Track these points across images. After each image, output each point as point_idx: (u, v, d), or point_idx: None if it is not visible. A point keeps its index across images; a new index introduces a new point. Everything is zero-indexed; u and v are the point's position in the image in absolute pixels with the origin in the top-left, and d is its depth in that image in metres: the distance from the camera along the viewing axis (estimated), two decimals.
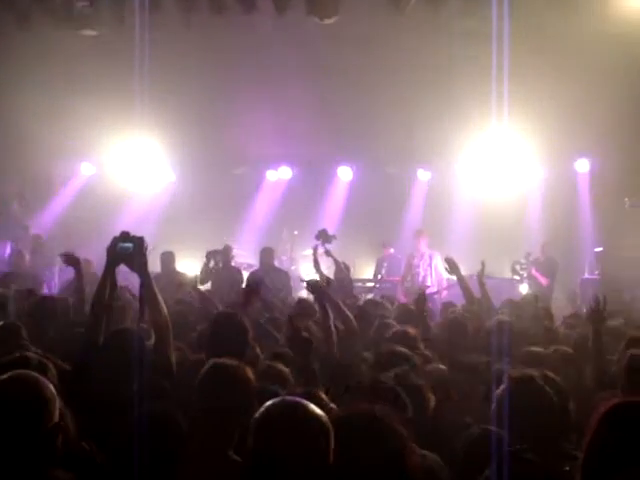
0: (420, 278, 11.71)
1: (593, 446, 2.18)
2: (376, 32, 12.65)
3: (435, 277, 11.67)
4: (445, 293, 11.50)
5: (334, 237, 10.64)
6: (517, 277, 12.24)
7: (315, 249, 10.61)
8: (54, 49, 12.96)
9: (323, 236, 10.64)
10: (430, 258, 11.76)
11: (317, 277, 9.86)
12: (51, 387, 2.60)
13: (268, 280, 9.52)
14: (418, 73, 13.04)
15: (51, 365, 3.69)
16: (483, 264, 8.01)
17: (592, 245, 13.45)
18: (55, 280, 13.08)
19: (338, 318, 5.65)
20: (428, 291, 11.18)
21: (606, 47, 11.79)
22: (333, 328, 5.33)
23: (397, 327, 5.82)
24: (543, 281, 12.31)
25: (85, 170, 15.33)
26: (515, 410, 3.22)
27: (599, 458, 2.15)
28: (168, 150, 14.64)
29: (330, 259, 10.62)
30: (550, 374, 3.78)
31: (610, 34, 11.50)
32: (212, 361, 3.42)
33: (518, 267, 12.23)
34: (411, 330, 5.56)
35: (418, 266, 11.75)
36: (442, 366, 4.87)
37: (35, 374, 2.66)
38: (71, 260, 6.18)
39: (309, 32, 12.55)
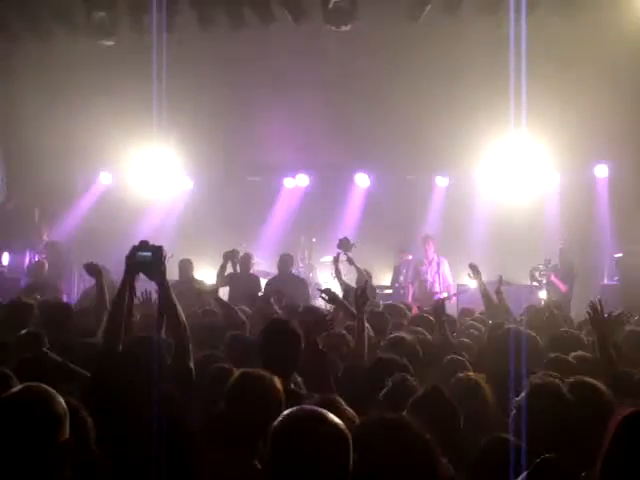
0: (428, 285, 11.69)
1: (611, 454, 2.17)
2: (392, 40, 12.70)
3: (443, 283, 11.65)
4: (454, 299, 11.49)
5: (354, 245, 10.63)
6: (536, 283, 12.16)
7: (337, 257, 10.61)
8: (72, 60, 13.10)
9: (345, 245, 10.64)
10: (438, 265, 11.74)
11: (337, 285, 9.89)
12: (62, 402, 2.56)
13: (285, 288, 9.52)
14: (435, 80, 13.07)
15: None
16: (501, 277, 7.99)
17: (611, 251, 13.34)
18: (75, 289, 13.18)
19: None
20: (437, 297, 11.22)
21: (624, 52, 11.76)
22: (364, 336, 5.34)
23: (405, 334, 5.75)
24: (562, 287, 12.24)
25: (104, 179, 15.43)
26: (533, 417, 3.20)
27: (616, 466, 2.14)
28: (185, 158, 14.72)
29: (351, 267, 10.61)
30: (580, 380, 3.73)
31: (628, 40, 11.47)
32: (241, 370, 3.44)
33: (537, 274, 12.15)
34: (407, 336, 5.50)
35: (426, 272, 11.73)
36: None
37: (47, 387, 2.60)
38: (92, 269, 6.22)
39: (325, 41, 12.61)
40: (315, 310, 7.23)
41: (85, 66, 13.28)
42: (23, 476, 2.41)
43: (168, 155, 14.56)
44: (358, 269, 10.43)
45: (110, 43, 12.72)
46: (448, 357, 5.09)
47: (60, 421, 2.50)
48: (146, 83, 12.49)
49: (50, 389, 2.61)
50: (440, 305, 6.51)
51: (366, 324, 5.68)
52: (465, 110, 12.88)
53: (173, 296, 4.06)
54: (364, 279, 10.01)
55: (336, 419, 2.48)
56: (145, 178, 14.89)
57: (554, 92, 12.39)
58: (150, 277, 4.05)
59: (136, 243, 4.05)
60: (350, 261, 10.48)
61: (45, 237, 13.73)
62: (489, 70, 12.14)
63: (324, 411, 2.50)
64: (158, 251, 3.97)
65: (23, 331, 5.21)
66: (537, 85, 11.89)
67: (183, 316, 4.11)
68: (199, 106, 13.60)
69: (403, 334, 5.67)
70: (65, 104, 13.34)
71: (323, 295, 6.75)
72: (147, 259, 3.95)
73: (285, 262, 10.99)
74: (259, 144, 14.67)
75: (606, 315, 5.01)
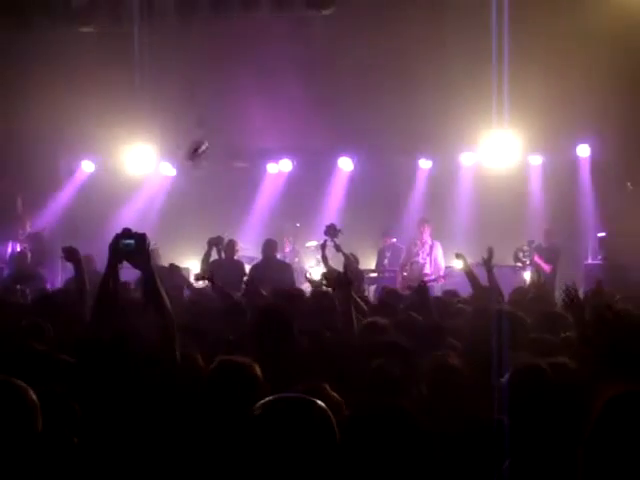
0: (419, 267, 11.73)
1: (594, 435, 2.18)
2: (374, 22, 12.63)
3: (434, 267, 11.67)
4: (442, 281, 11.54)
5: (340, 231, 10.61)
6: (520, 264, 12.23)
7: (324, 244, 10.60)
8: (52, 46, 12.96)
9: (332, 231, 10.62)
10: (431, 248, 11.76)
11: (323, 270, 9.89)
12: (32, 395, 2.62)
13: (270, 273, 9.52)
14: (417, 62, 13.02)
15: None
16: (490, 251, 7.94)
17: (595, 230, 13.42)
18: (58, 278, 13.11)
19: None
20: (426, 279, 11.25)
21: (606, 31, 11.77)
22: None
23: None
24: (546, 268, 12.31)
25: (86, 167, 15.32)
26: (517, 400, 3.21)
27: (599, 447, 2.15)
28: (168, 145, 14.65)
29: (338, 253, 10.59)
30: (562, 362, 3.74)
31: (610, 17, 11.48)
32: (219, 358, 3.43)
33: (521, 254, 12.22)
34: (380, 320, 5.50)
35: (418, 255, 11.75)
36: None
37: (18, 382, 2.67)
38: (71, 255, 6.13)
39: (306, 24, 12.54)
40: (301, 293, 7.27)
41: (66, 53, 13.13)
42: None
43: (150, 142, 14.50)
44: (345, 255, 10.42)
45: (90, 30, 12.60)
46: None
47: (31, 412, 2.56)
48: (127, 70, 12.45)
49: (18, 382, 2.64)
50: (423, 287, 6.53)
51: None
52: (448, 91, 12.87)
53: (159, 283, 4.03)
54: (352, 265, 10.04)
55: (321, 405, 2.43)
56: (128, 166, 14.83)
57: (536, 74, 12.41)
58: (134, 265, 4.03)
59: (119, 231, 4.02)
60: (337, 248, 10.46)
61: (28, 227, 13.65)
62: (473, 51, 12.12)
63: (308, 397, 2.46)
64: (141, 239, 3.94)
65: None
66: (519, 65, 11.94)
67: (168, 303, 4.09)
68: (181, 92, 13.51)
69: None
70: (47, 93, 13.19)
71: (324, 281, 6.79)
72: (130, 247, 3.92)
73: (269, 247, 10.95)
74: (242, 130, 14.62)
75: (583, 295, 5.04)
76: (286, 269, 10.89)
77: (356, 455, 2.43)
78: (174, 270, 9.60)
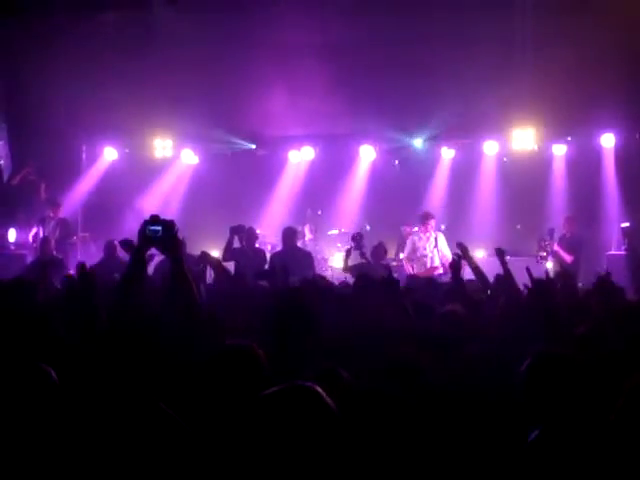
0: (427, 260, 11.66)
1: (624, 410, 2.21)
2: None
3: (442, 258, 11.59)
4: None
5: (367, 229, 10.58)
6: (543, 253, 12.09)
7: (349, 250, 10.65)
8: (74, 35, 13.02)
9: (358, 241, 10.65)
10: (436, 240, 11.69)
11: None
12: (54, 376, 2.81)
13: (290, 261, 9.52)
14: (440, 48, 12.94)
15: None
16: (501, 250, 7.76)
17: (618, 220, 13.30)
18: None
19: None
20: (436, 273, 11.21)
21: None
22: None
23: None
24: (567, 258, 12.18)
25: (108, 154, 15.40)
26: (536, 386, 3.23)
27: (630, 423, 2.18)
28: (190, 133, 14.72)
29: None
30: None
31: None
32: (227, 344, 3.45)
33: (543, 243, 12.09)
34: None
35: (425, 248, 11.68)
36: None
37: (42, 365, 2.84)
38: (127, 246, 6.15)
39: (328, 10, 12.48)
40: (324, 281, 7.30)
41: (87, 41, 13.19)
42: None
43: (173, 130, 14.58)
44: (369, 262, 10.36)
45: (109, 18, 12.66)
46: None
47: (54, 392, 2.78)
48: (150, 58, 12.47)
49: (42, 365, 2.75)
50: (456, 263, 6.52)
51: None
52: (469, 79, 12.84)
53: (186, 270, 4.05)
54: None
55: (324, 395, 2.44)
56: (150, 153, 14.91)
57: (560, 59, 12.30)
58: (162, 251, 4.05)
59: (147, 217, 4.03)
60: (363, 255, 10.44)
61: (55, 214, 13.65)
62: (494, 34, 12.06)
63: (310, 388, 2.46)
64: (169, 225, 3.95)
65: None
66: (543, 53, 11.85)
67: (195, 290, 4.11)
68: (201, 81, 13.53)
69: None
70: (71, 80, 13.26)
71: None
72: (157, 233, 3.93)
73: (289, 235, 10.93)
74: (264, 117, 14.63)
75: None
76: (306, 257, 10.86)
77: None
78: (206, 258, 9.63)
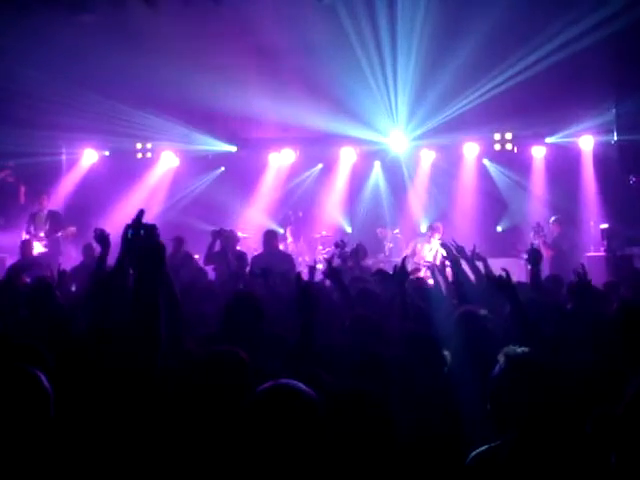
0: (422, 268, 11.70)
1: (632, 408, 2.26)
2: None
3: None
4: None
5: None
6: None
7: (331, 257, 10.65)
8: (54, 34, 12.92)
9: (341, 247, 10.64)
10: (437, 252, 11.75)
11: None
12: (45, 381, 2.74)
13: (271, 263, 9.49)
14: (426, 44, 13.00)
15: None
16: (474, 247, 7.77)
17: (597, 222, 13.41)
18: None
19: None
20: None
21: None
22: None
23: None
24: (546, 253, 12.28)
25: (88, 156, 15.34)
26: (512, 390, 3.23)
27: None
28: (171, 135, 14.70)
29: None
30: None
31: None
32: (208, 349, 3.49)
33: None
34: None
35: (425, 257, 11.76)
36: None
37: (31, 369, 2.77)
38: (101, 237, 6.06)
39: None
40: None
41: (67, 40, 13.10)
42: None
43: (153, 131, 14.54)
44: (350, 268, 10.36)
45: (90, 19, 12.58)
46: None
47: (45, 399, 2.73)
48: (132, 57, 12.40)
49: (32, 370, 2.76)
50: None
51: None
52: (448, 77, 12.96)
53: (169, 274, 4.09)
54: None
55: (308, 392, 2.59)
56: (131, 156, 14.88)
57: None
58: (145, 255, 4.05)
59: (128, 222, 4.03)
60: (344, 263, 10.42)
61: (42, 205, 13.47)
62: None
63: (294, 385, 2.62)
64: (151, 229, 3.95)
65: None
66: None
67: (177, 294, 4.15)
68: (182, 80, 13.49)
69: None
70: (52, 81, 13.18)
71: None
72: (140, 237, 3.93)
73: (269, 238, 10.92)
74: (245, 120, 14.64)
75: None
76: (288, 259, 10.85)
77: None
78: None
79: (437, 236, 11.93)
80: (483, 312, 4.92)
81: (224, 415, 3.01)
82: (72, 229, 12.81)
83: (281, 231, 13.84)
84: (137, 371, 3.28)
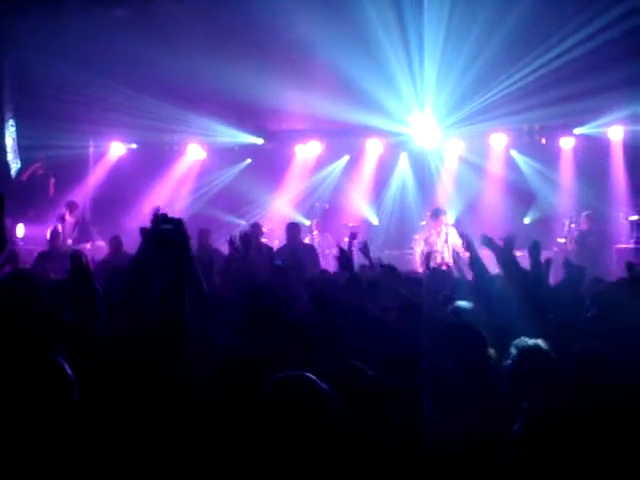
0: (438, 256, 11.59)
1: None
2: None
3: (452, 254, 11.52)
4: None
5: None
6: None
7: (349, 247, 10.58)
8: (85, 28, 13.02)
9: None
10: (447, 235, 11.62)
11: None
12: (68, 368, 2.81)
13: (295, 256, 9.46)
14: (438, 43, 12.93)
15: None
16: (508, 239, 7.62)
17: (627, 214, 13.25)
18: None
19: None
20: (444, 268, 11.15)
21: None
22: None
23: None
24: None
25: (115, 149, 15.47)
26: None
27: None
28: (198, 127, 14.76)
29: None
30: None
31: None
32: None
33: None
34: None
35: (435, 243, 11.61)
36: None
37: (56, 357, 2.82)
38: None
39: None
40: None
41: (96, 34, 13.19)
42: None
43: (180, 124, 14.60)
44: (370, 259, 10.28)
45: (122, 13, 12.67)
46: None
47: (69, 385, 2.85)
48: (158, 51, 12.45)
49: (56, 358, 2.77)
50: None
51: None
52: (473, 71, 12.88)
53: (197, 268, 4.10)
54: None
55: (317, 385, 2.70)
56: (158, 148, 14.97)
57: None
58: (172, 249, 4.06)
59: (157, 215, 4.04)
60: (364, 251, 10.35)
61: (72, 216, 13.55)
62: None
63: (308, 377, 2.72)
64: (178, 223, 3.96)
65: None
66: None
67: (205, 287, 4.16)
68: (209, 74, 13.51)
69: None
70: (80, 76, 13.29)
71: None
72: (169, 232, 3.94)
73: (292, 230, 10.89)
74: (271, 111, 14.65)
75: None
76: (311, 252, 10.81)
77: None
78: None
79: (444, 219, 11.75)
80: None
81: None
82: (100, 243, 12.81)
83: (307, 223, 13.83)
84: (161, 369, 3.32)
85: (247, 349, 4.04)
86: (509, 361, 3.34)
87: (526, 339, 3.40)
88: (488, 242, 7.10)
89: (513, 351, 3.34)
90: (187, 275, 3.96)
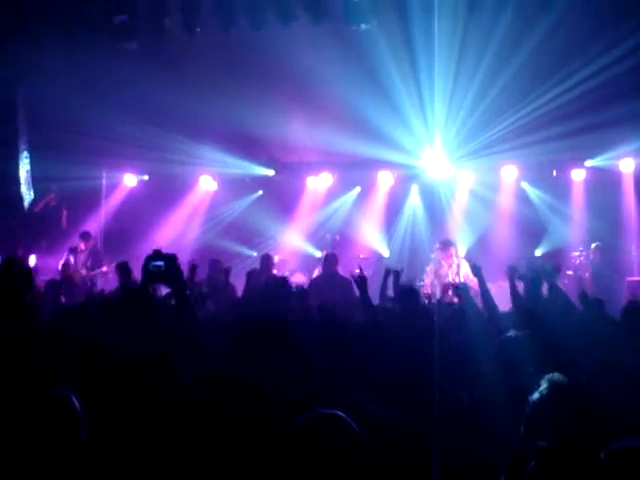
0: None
1: None
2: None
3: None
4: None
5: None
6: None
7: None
8: (96, 61, 13.17)
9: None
10: (458, 267, 11.58)
11: None
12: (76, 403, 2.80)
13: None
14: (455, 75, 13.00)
15: None
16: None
17: (638, 247, 13.21)
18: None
19: None
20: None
21: None
22: None
23: None
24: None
25: (128, 181, 15.57)
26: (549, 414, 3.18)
27: None
28: (209, 159, 14.85)
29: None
30: None
31: None
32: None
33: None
34: None
35: (447, 276, 11.55)
36: None
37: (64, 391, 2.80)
38: (124, 270, 6.18)
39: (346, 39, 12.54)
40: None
41: (108, 67, 13.34)
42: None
43: (192, 156, 14.70)
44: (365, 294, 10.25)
45: (132, 46, 12.81)
46: None
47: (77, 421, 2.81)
48: (170, 84, 12.57)
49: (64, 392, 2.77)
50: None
51: None
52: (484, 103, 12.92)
53: (189, 302, 4.11)
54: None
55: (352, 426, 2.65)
56: (170, 180, 15.06)
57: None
58: (165, 284, 4.11)
59: (149, 253, 4.10)
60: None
61: (87, 247, 13.63)
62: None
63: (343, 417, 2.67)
64: (171, 260, 4.00)
65: None
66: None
67: (198, 321, 4.17)
68: (220, 106, 13.62)
69: None
70: (90, 105, 13.41)
71: None
72: (160, 269, 3.99)
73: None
74: (282, 144, 14.74)
75: None
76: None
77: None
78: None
79: (454, 251, 11.72)
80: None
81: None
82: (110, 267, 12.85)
83: (318, 255, 13.84)
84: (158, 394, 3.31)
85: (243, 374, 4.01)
86: (537, 394, 3.27)
87: (559, 375, 3.34)
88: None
89: (543, 385, 3.29)
90: (180, 306, 4.01)
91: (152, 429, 3.23)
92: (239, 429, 3.27)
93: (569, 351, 4.51)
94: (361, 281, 6.70)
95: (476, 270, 7.21)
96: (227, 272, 9.79)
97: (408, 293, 6.71)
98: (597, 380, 3.95)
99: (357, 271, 6.93)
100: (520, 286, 7.22)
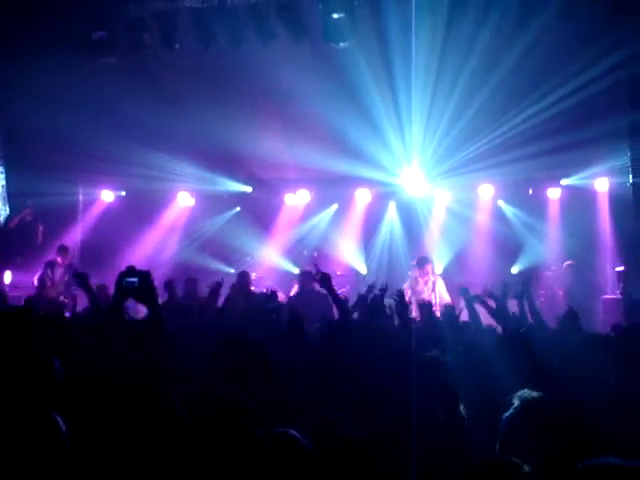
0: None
1: None
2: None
3: (439, 302, 11.53)
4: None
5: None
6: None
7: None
8: (74, 76, 13.12)
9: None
10: (434, 284, 11.65)
11: None
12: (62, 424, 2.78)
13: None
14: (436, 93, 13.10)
15: None
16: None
17: (612, 265, 13.32)
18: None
19: None
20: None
21: None
22: None
23: None
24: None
25: (105, 196, 15.50)
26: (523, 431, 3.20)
27: None
28: (187, 175, 14.83)
29: None
30: None
31: None
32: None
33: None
34: None
35: (422, 292, 11.62)
36: None
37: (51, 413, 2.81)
38: (81, 280, 6.14)
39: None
40: None
41: (87, 83, 13.30)
42: None
43: (170, 172, 14.67)
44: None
45: (111, 61, 12.79)
46: None
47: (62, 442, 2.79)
48: (149, 100, 12.56)
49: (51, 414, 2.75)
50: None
51: None
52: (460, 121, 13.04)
53: (163, 318, 4.10)
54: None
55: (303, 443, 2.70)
56: (147, 196, 15.00)
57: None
58: (139, 301, 4.11)
59: (123, 269, 4.10)
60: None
61: (63, 260, 13.52)
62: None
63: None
64: (145, 276, 4.00)
65: None
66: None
67: (171, 337, 4.16)
68: (198, 123, 13.63)
69: None
70: (68, 122, 13.34)
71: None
72: (134, 285, 3.99)
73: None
74: (260, 160, 14.76)
75: None
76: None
77: None
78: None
79: (430, 268, 11.78)
80: None
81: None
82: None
83: (296, 271, 13.84)
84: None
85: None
86: (510, 411, 3.29)
87: (530, 391, 3.37)
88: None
89: (515, 402, 3.31)
90: (154, 322, 4.01)
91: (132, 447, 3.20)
92: (212, 446, 3.26)
93: (544, 368, 4.54)
94: (323, 278, 6.58)
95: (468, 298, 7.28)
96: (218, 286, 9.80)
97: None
98: (573, 396, 3.97)
99: (314, 269, 6.84)
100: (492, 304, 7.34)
